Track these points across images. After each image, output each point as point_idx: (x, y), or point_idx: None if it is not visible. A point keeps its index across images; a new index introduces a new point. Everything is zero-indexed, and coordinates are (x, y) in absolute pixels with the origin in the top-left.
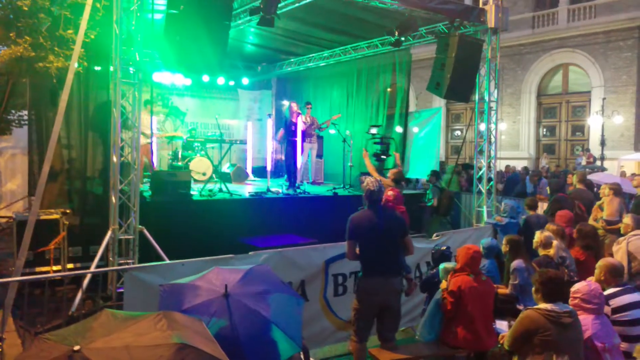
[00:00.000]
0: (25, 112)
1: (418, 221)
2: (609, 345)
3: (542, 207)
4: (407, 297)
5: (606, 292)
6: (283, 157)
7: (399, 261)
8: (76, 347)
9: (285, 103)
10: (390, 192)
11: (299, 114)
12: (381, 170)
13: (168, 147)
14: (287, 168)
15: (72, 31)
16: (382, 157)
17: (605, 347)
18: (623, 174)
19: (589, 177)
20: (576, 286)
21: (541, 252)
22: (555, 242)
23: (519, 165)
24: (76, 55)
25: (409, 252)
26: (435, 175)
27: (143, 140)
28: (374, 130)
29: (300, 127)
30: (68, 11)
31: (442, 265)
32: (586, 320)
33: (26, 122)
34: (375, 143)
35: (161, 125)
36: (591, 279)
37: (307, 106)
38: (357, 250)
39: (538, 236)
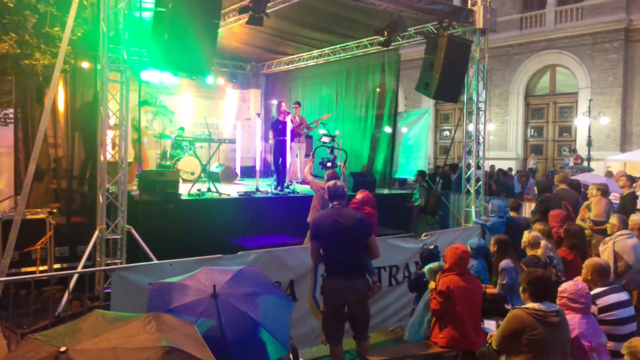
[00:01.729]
0: (11, 110)
1: (406, 221)
2: (595, 344)
3: (530, 207)
4: (395, 298)
5: (593, 292)
6: (272, 157)
7: (362, 263)
8: (62, 348)
9: (274, 102)
10: (359, 195)
11: (287, 113)
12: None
13: (156, 147)
14: (275, 168)
15: (58, 28)
16: (328, 164)
17: (592, 346)
18: (610, 174)
19: (577, 177)
20: (563, 286)
21: (529, 252)
22: (543, 242)
23: (507, 165)
24: (63, 53)
25: (374, 254)
26: (422, 175)
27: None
28: (325, 139)
29: (289, 127)
30: (54, 8)
31: (427, 266)
32: (573, 319)
33: (12, 121)
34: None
35: (149, 124)
36: (578, 278)
37: (296, 106)
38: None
39: (526, 236)
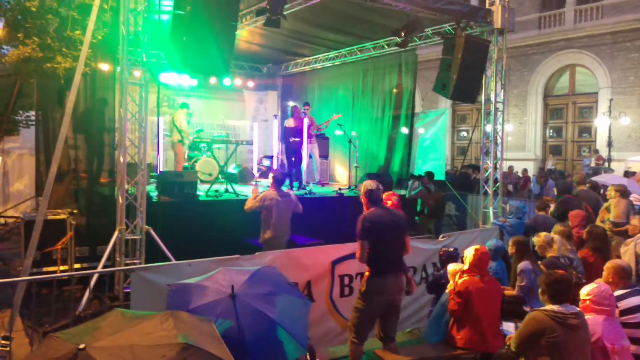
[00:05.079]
0: (33, 113)
1: (410, 222)
2: (618, 346)
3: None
4: (413, 298)
5: (614, 294)
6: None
7: (402, 259)
8: (81, 346)
9: (291, 104)
10: (394, 197)
11: (304, 114)
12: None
13: (173, 148)
14: (288, 170)
15: (79, 32)
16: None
17: (614, 349)
18: (629, 175)
19: (596, 178)
20: (586, 288)
21: (547, 254)
22: (556, 237)
23: (525, 166)
24: (84, 56)
25: (407, 251)
26: (430, 176)
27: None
28: (266, 162)
29: (305, 128)
30: (75, 12)
31: (450, 267)
32: (596, 321)
33: (33, 123)
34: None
35: (167, 126)
36: (599, 280)
37: (305, 107)
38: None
39: (536, 240)
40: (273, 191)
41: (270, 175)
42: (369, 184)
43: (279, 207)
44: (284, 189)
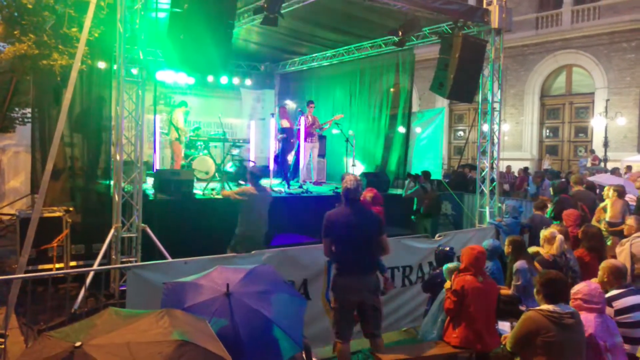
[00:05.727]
0: (29, 110)
1: (407, 221)
2: (610, 344)
3: None
4: (410, 297)
5: (609, 294)
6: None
7: (374, 260)
8: (77, 343)
9: (288, 103)
10: (368, 194)
11: (302, 113)
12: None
13: (171, 146)
14: (282, 168)
15: (76, 29)
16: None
17: (606, 346)
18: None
19: (593, 178)
20: (576, 287)
21: (546, 247)
22: (558, 236)
23: (521, 166)
24: (80, 53)
25: (385, 251)
26: (426, 175)
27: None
28: (235, 151)
29: (303, 127)
30: (72, 9)
31: (446, 266)
32: (587, 318)
33: (29, 120)
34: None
35: (164, 124)
36: (594, 280)
37: (310, 105)
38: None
39: (543, 233)
40: (251, 186)
41: (248, 170)
42: (350, 182)
43: (257, 203)
44: (274, 184)
